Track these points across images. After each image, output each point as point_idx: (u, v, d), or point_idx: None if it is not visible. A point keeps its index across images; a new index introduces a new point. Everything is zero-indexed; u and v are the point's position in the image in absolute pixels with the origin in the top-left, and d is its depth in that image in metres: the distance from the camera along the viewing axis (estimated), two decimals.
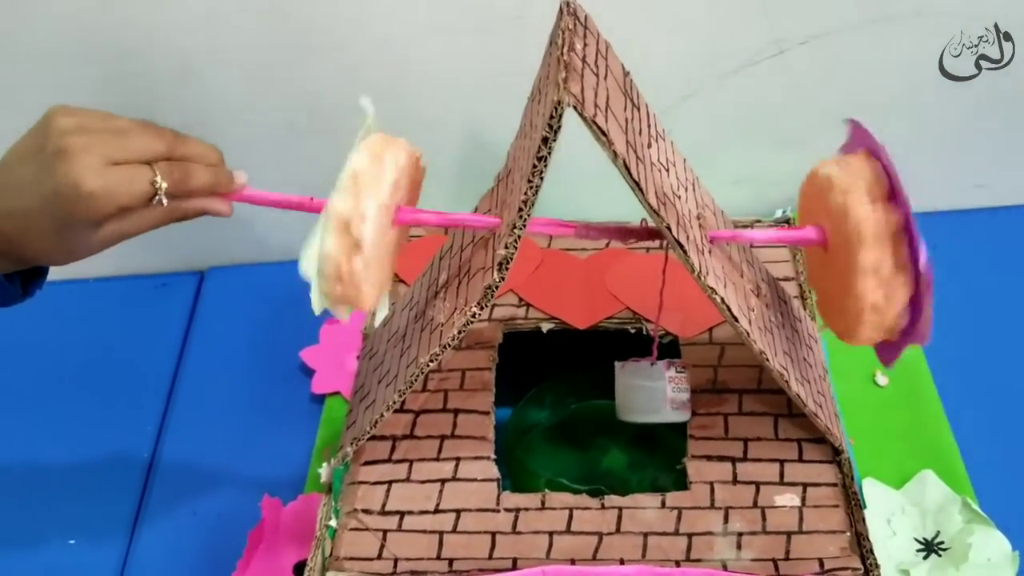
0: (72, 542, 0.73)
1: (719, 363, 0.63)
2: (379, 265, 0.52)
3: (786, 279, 0.69)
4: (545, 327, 0.68)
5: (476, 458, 0.60)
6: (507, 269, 0.49)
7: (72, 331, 0.90)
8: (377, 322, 0.69)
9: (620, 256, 0.72)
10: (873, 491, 0.68)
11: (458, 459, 0.60)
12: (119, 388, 0.84)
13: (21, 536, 0.74)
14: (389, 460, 0.61)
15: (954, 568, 0.63)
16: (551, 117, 0.43)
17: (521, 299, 0.70)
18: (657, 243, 0.72)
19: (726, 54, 0.80)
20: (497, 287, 0.50)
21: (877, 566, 0.52)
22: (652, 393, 0.58)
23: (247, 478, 0.75)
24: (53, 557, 0.72)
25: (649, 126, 0.52)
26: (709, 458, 0.58)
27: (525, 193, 0.46)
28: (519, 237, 0.48)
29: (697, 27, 0.78)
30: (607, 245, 0.73)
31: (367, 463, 0.61)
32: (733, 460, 0.58)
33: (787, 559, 0.53)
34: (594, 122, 0.43)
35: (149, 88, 0.82)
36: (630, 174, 0.45)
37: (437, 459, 0.60)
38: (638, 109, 0.51)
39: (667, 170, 0.51)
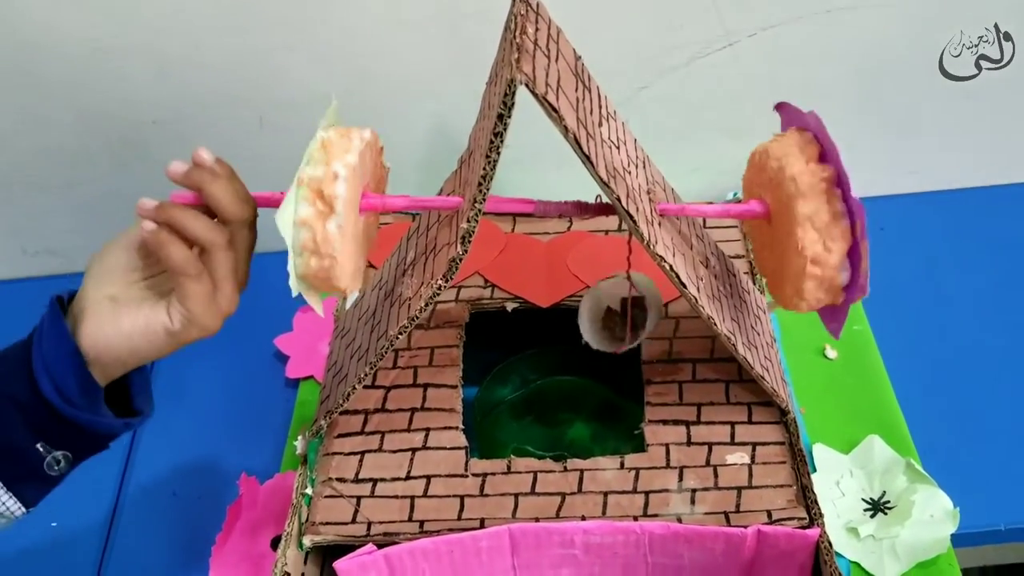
0: (54, 524, 0.75)
1: (674, 335, 0.67)
2: (353, 240, 0.55)
3: (737, 256, 0.73)
4: (510, 306, 0.71)
5: (445, 428, 0.63)
6: (470, 242, 0.53)
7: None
8: (348, 304, 0.72)
9: (580, 239, 0.76)
10: (823, 455, 0.72)
11: (428, 429, 0.63)
12: None
13: None
14: (362, 432, 0.64)
15: (899, 525, 0.67)
16: (505, 95, 0.46)
17: (487, 280, 0.73)
18: (616, 226, 0.77)
19: (678, 46, 0.84)
20: (461, 260, 0.53)
21: (821, 515, 0.56)
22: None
23: (224, 460, 0.77)
24: (36, 539, 0.74)
25: (600, 107, 0.55)
26: (665, 422, 0.62)
27: (484, 168, 0.49)
28: (480, 211, 0.51)
29: (649, 20, 0.81)
30: (568, 228, 0.77)
31: (340, 435, 0.63)
32: (687, 423, 0.62)
33: (737, 511, 0.57)
34: (545, 99, 0.46)
35: (124, 86, 0.84)
36: (580, 148, 0.48)
37: (408, 430, 0.63)
38: (589, 91, 0.54)
39: (617, 148, 0.55)
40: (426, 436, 0.63)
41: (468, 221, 0.51)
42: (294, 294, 0.55)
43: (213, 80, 0.85)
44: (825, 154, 0.53)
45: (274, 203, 0.55)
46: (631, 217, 0.51)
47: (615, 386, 0.73)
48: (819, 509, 0.56)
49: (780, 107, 0.56)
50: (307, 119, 0.85)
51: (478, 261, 0.74)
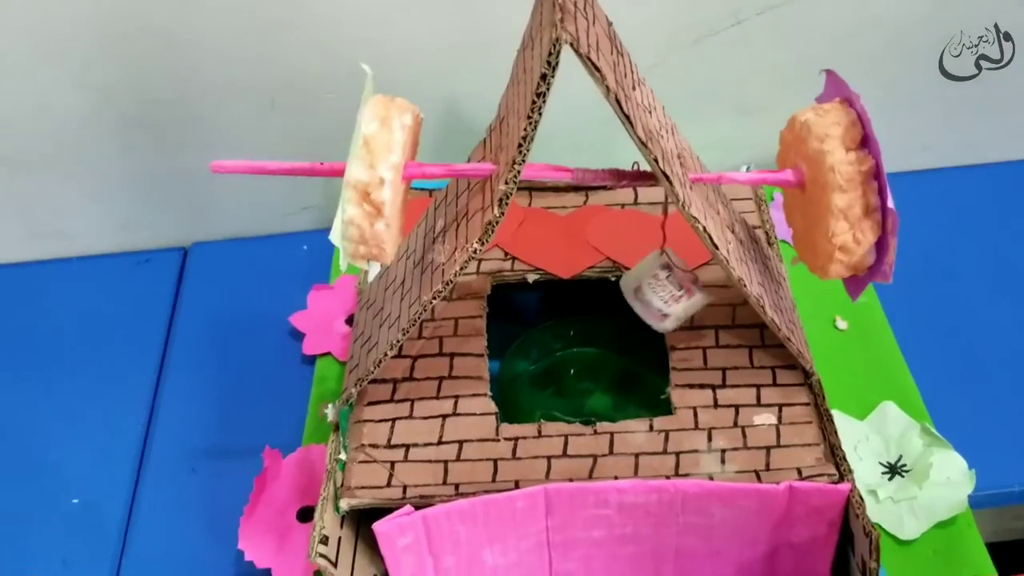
0: (75, 501, 0.75)
1: None
2: (396, 224, 0.55)
3: (754, 227, 0.75)
4: (531, 278, 0.72)
5: (474, 395, 0.64)
6: (507, 204, 0.53)
7: (59, 309, 0.92)
8: (371, 278, 0.72)
9: (598, 212, 0.76)
10: (839, 422, 0.73)
11: (457, 397, 0.64)
12: (111, 360, 0.86)
13: (26, 499, 0.76)
14: (391, 400, 0.64)
15: (917, 487, 0.69)
16: (549, 54, 0.47)
17: (507, 253, 0.74)
18: (632, 199, 0.77)
19: (686, 26, 0.85)
20: (498, 222, 0.54)
21: (850, 471, 0.57)
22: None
23: (244, 436, 0.78)
24: (58, 517, 0.74)
25: (632, 72, 0.56)
26: (691, 386, 0.63)
27: (524, 130, 0.50)
28: (519, 172, 0.52)
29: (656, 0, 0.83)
30: (585, 202, 0.78)
31: (370, 403, 0.64)
32: (713, 387, 0.63)
33: (768, 470, 0.58)
34: (588, 58, 0.47)
35: (134, 68, 0.84)
36: (621, 108, 0.49)
37: (437, 397, 0.64)
38: (622, 56, 0.55)
39: (650, 113, 0.56)
40: (455, 403, 0.64)
41: (506, 183, 0.52)
42: (343, 270, 0.56)
43: (222, 60, 0.84)
44: (867, 140, 0.54)
45: (316, 172, 0.56)
46: (667, 178, 0.52)
47: (634, 356, 0.74)
48: (848, 466, 0.57)
49: (828, 73, 0.57)
50: (314, 100, 0.87)
51: (498, 235, 0.74)
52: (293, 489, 0.72)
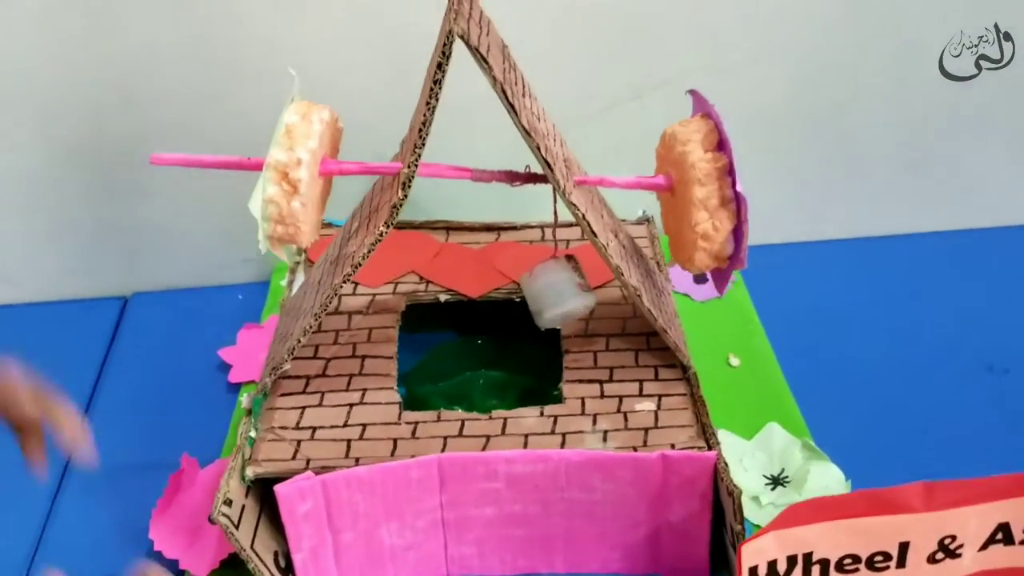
0: None
1: (590, 317, 0.74)
2: (313, 207, 0.62)
3: (651, 259, 0.82)
4: (442, 297, 0.78)
5: (380, 389, 0.69)
6: (409, 187, 0.60)
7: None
8: (294, 291, 0.78)
9: (509, 247, 0.84)
10: (727, 439, 0.78)
11: (364, 390, 0.69)
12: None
13: None
14: (303, 392, 0.69)
15: (796, 493, 0.73)
16: (444, 45, 0.55)
17: (422, 278, 0.80)
18: (539, 237, 0.85)
19: (593, 97, 0.95)
20: (402, 205, 0.61)
21: (719, 443, 0.62)
22: (560, 284, 0.67)
23: (167, 455, 0.80)
24: None
25: (524, 85, 0.65)
26: (581, 381, 0.69)
27: (424, 115, 0.57)
28: (419, 156, 0.59)
29: (567, 73, 0.92)
30: (497, 239, 0.85)
31: (283, 395, 0.69)
32: (601, 382, 0.69)
33: (645, 446, 0.63)
34: (477, 50, 0.55)
35: (92, 118, 0.92)
36: (506, 97, 0.57)
37: (346, 390, 0.69)
38: (513, 70, 0.64)
39: (539, 119, 0.64)
40: (363, 395, 0.68)
41: (408, 167, 0.59)
42: (263, 251, 0.62)
43: (177, 112, 0.92)
44: (722, 144, 0.63)
45: (237, 166, 0.63)
46: (549, 166, 0.60)
47: (537, 376, 0.79)
48: (717, 440, 0.63)
49: (692, 93, 0.66)
50: (264, 148, 0.93)
51: (415, 263, 0.82)
52: (207, 495, 0.74)
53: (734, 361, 0.88)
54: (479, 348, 0.81)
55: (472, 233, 0.85)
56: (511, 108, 0.57)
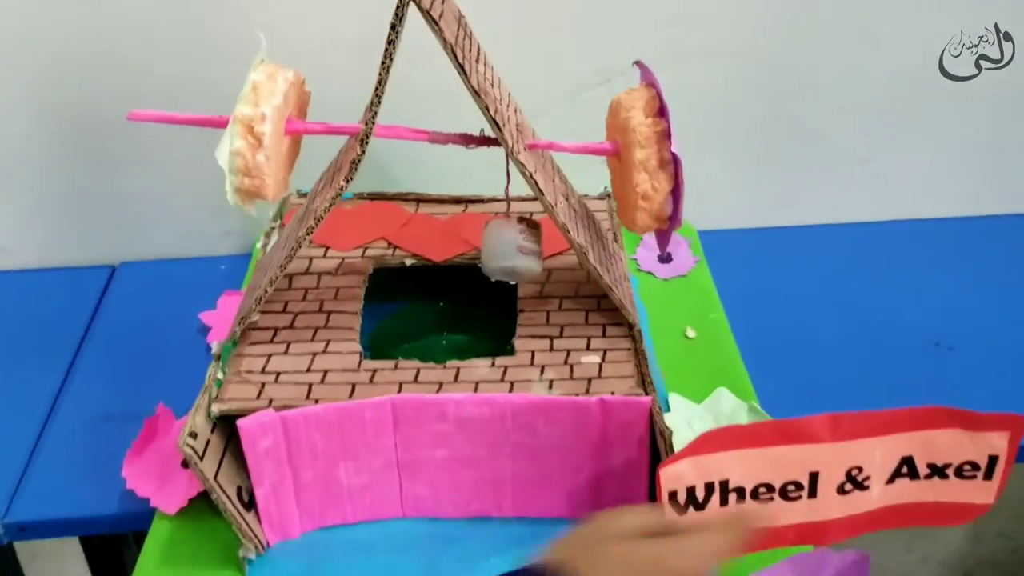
0: None
1: (546, 281, 0.78)
2: (278, 162, 0.66)
3: (606, 229, 0.86)
4: (408, 262, 0.82)
5: (343, 340, 0.73)
6: (367, 143, 0.65)
7: None
8: (269, 248, 0.82)
9: (475, 217, 0.88)
10: (678, 403, 0.82)
11: (328, 341, 0.73)
12: (33, 350, 0.94)
13: None
14: (271, 343, 0.73)
15: None
16: (397, 7, 0.60)
17: (390, 243, 0.84)
18: (505, 209, 0.89)
19: (561, 80, 0.99)
20: (360, 160, 0.65)
21: (655, 390, 0.66)
22: (507, 241, 0.71)
23: (144, 407, 0.84)
24: None
25: (480, 53, 0.69)
26: (532, 336, 0.73)
27: (380, 75, 0.62)
28: (376, 113, 0.63)
29: (536, 58, 0.96)
30: (464, 210, 0.89)
31: (252, 344, 0.73)
32: (551, 338, 0.72)
33: (587, 394, 0.67)
34: (429, 13, 0.60)
35: (81, 91, 0.96)
36: (456, 58, 0.61)
37: (311, 341, 0.73)
38: (470, 40, 0.68)
39: (493, 85, 0.68)
40: (326, 345, 0.72)
41: (366, 124, 0.64)
42: (231, 203, 0.66)
43: (165, 87, 0.96)
44: (663, 110, 0.67)
45: (209, 124, 0.67)
46: (498, 125, 0.64)
47: (500, 340, 0.83)
48: (652, 387, 0.67)
49: (639, 64, 0.70)
50: None
51: (384, 231, 0.86)
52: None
53: (691, 333, 0.92)
54: (441, 312, 0.85)
55: (441, 205, 0.89)
56: (461, 69, 0.62)
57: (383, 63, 0.61)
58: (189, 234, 1.06)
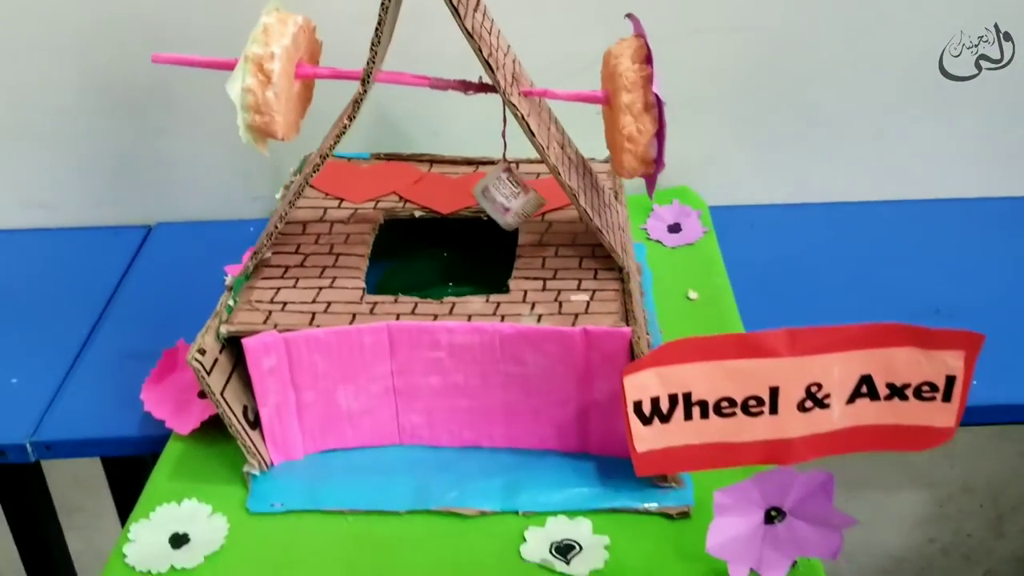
0: (14, 381, 0.88)
1: (545, 232, 0.82)
2: (288, 102, 0.71)
3: (609, 188, 0.89)
4: (417, 214, 0.87)
5: (349, 278, 0.77)
6: (369, 83, 0.69)
7: (30, 270, 1.07)
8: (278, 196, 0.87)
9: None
10: None
11: (335, 278, 0.77)
12: (69, 297, 1.00)
13: None
14: (281, 278, 0.77)
15: None
16: None
17: (401, 197, 0.89)
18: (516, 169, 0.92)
19: (571, 57, 1.02)
20: (362, 99, 0.69)
21: (637, 324, 0.69)
22: (491, 174, 0.77)
23: (168, 346, 0.90)
24: None
25: (479, 3, 0.73)
26: (527, 278, 0.76)
27: (379, 15, 0.66)
28: (375, 53, 0.68)
29: (548, 34, 1.00)
30: (475, 170, 0.93)
31: (263, 279, 0.77)
32: (545, 279, 0.76)
33: (573, 327, 0.70)
34: None
35: (122, 59, 1.03)
36: (451, 1, 0.65)
37: (319, 278, 0.77)
38: None
39: (490, 32, 0.72)
40: (332, 281, 0.77)
41: (367, 64, 0.68)
42: (244, 141, 0.71)
43: (204, 49, 1.02)
44: (649, 58, 0.71)
45: (227, 67, 0.72)
46: (491, 67, 0.68)
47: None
48: (636, 322, 0.70)
49: (630, 16, 0.74)
50: None
51: (396, 187, 0.90)
52: (196, 385, 0.84)
53: (692, 295, 0.94)
54: (446, 262, 0.89)
55: (453, 166, 0.94)
56: (455, 11, 0.66)
57: (383, 4, 0.66)
58: (221, 198, 1.12)
